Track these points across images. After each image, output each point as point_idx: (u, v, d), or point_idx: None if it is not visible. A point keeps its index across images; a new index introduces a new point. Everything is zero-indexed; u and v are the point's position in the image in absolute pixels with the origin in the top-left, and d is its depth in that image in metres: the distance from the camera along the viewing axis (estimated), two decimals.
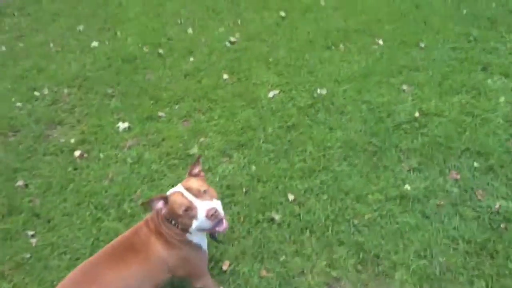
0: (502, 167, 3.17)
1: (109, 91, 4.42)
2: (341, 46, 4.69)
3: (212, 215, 2.14)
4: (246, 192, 3.22)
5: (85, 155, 3.70)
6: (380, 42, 4.66)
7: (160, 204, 2.22)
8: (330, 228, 2.92)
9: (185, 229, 2.24)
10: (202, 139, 3.71)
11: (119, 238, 2.35)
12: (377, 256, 2.75)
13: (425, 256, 2.71)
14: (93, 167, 3.57)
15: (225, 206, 2.48)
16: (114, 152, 3.70)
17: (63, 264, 2.86)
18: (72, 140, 3.83)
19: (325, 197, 3.12)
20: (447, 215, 2.92)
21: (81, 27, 5.62)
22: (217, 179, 3.33)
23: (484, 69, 4.12)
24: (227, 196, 3.19)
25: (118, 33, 5.40)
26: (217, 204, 2.20)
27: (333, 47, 4.69)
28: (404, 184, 3.14)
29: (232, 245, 2.88)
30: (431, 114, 3.68)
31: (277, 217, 3.01)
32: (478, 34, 4.54)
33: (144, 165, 3.52)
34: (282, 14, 5.33)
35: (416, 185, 3.13)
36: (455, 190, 3.07)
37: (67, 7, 6.19)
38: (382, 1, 5.35)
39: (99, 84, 4.53)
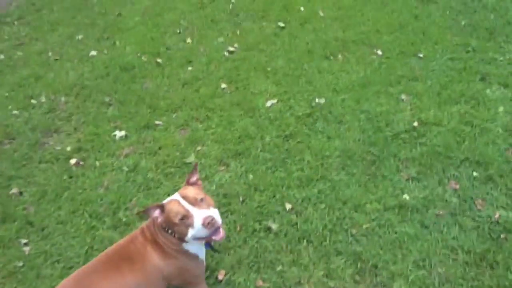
0: (502, 176, 3.15)
1: (107, 99, 4.41)
2: (340, 56, 4.68)
3: (208, 223, 2.11)
4: (243, 201, 3.19)
5: (81, 163, 3.67)
6: (379, 52, 4.65)
7: (156, 213, 2.20)
8: (327, 238, 2.88)
9: (182, 238, 2.21)
10: (199, 148, 3.69)
11: (114, 246, 2.31)
12: (375, 266, 2.71)
13: (424, 267, 2.68)
14: (88, 175, 3.54)
15: (221, 215, 2.44)
16: (110, 160, 3.68)
17: (56, 273, 2.82)
18: (68, 148, 3.81)
19: (322, 206, 3.09)
20: (446, 225, 2.89)
21: (80, 36, 5.62)
22: (214, 187, 3.31)
23: (482, 79, 4.11)
24: (223, 205, 3.15)
25: (117, 42, 5.40)
26: (214, 213, 2.18)
27: (331, 57, 4.68)
28: (403, 193, 3.11)
29: (228, 254, 2.84)
30: (430, 124, 3.66)
31: (274, 226, 2.98)
32: (476, 45, 4.54)
33: (140, 174, 3.50)
34: (281, 24, 5.34)
35: (415, 194, 3.10)
36: (454, 199, 3.04)
37: (67, 16, 6.20)
38: (381, 12, 5.37)
39: (97, 92, 4.52)
